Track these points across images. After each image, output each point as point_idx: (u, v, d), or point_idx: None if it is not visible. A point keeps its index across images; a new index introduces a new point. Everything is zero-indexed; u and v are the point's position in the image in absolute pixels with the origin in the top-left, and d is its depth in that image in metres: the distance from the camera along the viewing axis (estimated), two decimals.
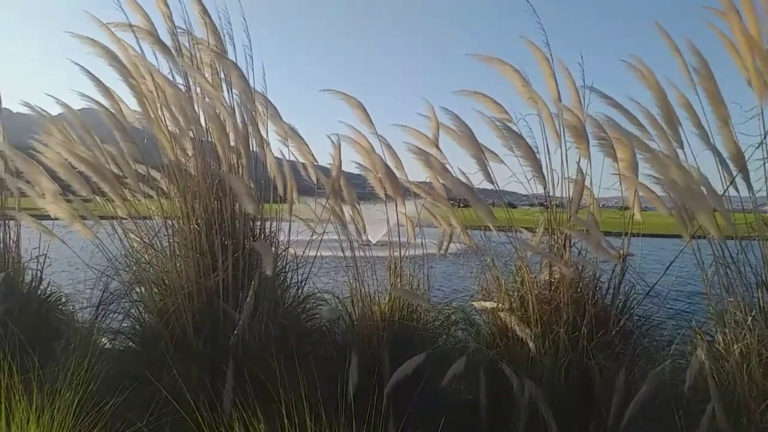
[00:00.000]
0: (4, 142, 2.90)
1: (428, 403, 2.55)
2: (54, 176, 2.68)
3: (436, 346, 2.72)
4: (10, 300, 2.49)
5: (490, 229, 2.82)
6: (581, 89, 2.78)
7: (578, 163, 2.71)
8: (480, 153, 2.86)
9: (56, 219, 2.56)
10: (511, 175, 2.90)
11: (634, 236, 2.76)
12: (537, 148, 2.78)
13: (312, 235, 3.04)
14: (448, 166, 2.88)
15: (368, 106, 3.06)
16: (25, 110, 3.21)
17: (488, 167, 2.86)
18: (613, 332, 2.54)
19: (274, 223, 3.02)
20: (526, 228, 2.97)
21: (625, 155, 2.55)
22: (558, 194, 2.83)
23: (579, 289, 2.64)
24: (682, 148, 2.48)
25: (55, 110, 3.05)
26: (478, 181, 2.89)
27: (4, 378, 1.90)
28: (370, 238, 3.14)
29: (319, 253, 2.99)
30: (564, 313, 2.55)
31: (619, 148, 2.55)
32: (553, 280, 2.67)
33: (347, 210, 3.02)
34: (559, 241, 2.74)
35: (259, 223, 2.94)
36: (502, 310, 2.63)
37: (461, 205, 3.18)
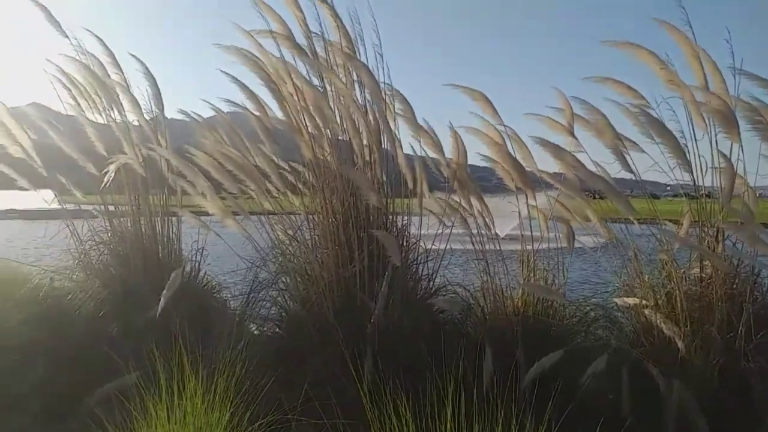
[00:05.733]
0: (167, 146, 3.24)
1: (566, 402, 2.49)
2: (208, 175, 2.95)
3: (574, 344, 2.65)
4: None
5: (631, 222, 2.69)
6: (730, 70, 2.56)
7: (720, 150, 2.51)
8: (617, 141, 2.73)
9: (212, 215, 2.81)
10: (653, 164, 2.74)
11: None
12: (682, 133, 2.60)
13: (441, 228, 3.07)
14: (581, 156, 2.79)
15: (495, 97, 3.03)
16: (179, 115, 3.58)
17: (626, 156, 2.73)
18: None
19: (405, 217, 3.09)
20: (670, 220, 2.79)
21: None
22: (707, 183, 2.64)
23: (735, 286, 2.44)
24: None
25: (206, 113, 3.36)
26: (616, 170, 2.78)
27: (176, 357, 2.13)
28: (498, 232, 3.11)
29: (449, 246, 3.01)
30: (717, 311, 2.38)
31: None
32: (704, 275, 2.50)
33: (475, 203, 3.02)
34: (710, 233, 2.56)
35: (391, 216, 3.03)
36: (647, 307, 2.51)
37: (596, 196, 3.06)
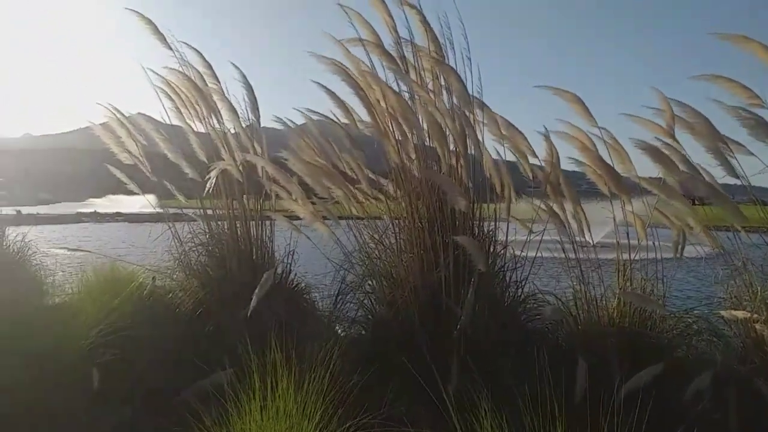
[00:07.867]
0: (264, 153, 3.40)
1: (663, 419, 2.35)
2: (299, 180, 3.06)
3: (675, 357, 2.50)
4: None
5: (737, 230, 2.51)
6: None
7: None
8: (719, 144, 2.56)
9: (303, 219, 2.91)
10: (763, 168, 2.54)
11: None
12: None
13: (529, 235, 3.00)
14: (682, 159, 2.63)
15: (588, 97, 2.93)
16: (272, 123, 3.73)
17: (731, 159, 2.56)
18: None
19: (492, 223, 3.05)
20: None
21: None
22: None
23: None
24: None
25: (299, 121, 3.48)
26: (720, 175, 2.60)
27: (269, 355, 2.20)
28: (589, 239, 2.99)
29: (539, 254, 2.94)
30: None
31: None
32: None
33: (568, 208, 2.92)
34: None
35: (477, 222, 3.00)
36: (758, 321, 2.33)
37: (697, 202, 2.87)
